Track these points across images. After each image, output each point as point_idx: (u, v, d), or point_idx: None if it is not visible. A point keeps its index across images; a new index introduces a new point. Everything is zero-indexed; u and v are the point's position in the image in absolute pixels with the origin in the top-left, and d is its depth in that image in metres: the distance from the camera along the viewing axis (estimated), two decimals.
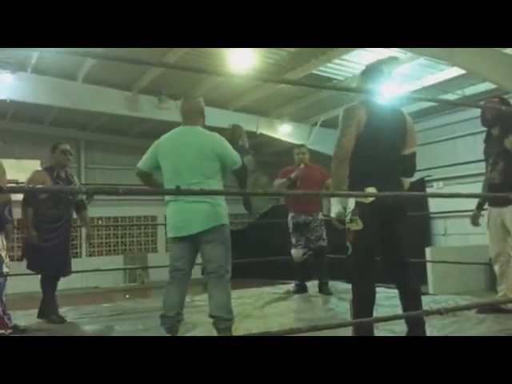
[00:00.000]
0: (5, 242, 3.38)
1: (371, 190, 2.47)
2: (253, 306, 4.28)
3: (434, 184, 10.76)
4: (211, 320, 2.85)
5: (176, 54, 8.26)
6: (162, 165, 2.95)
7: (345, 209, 2.58)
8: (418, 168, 2.85)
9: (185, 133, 2.99)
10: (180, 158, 2.86)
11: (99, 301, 5.29)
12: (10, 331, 3.29)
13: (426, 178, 10.45)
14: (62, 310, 4.02)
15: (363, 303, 2.44)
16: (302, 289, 4.87)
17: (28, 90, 9.35)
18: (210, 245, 2.85)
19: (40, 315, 3.92)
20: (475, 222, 3.68)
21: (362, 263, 2.49)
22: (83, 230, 6.97)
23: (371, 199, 2.46)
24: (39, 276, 3.94)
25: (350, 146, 2.54)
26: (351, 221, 2.51)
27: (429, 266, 8.28)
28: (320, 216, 4.77)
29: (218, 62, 8.20)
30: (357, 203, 2.50)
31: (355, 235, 2.50)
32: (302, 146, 5.27)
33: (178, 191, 2.17)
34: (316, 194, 4.47)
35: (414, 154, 2.75)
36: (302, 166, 4.69)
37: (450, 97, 9.55)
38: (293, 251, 4.80)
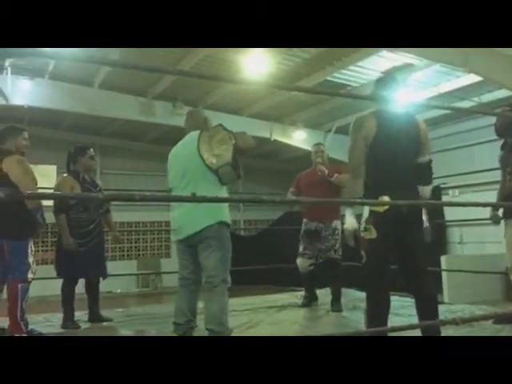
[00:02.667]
0: (33, 248, 3.41)
1: (385, 198, 2.45)
2: (266, 313, 4.26)
3: (450, 192, 10.64)
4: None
5: (191, 61, 8.31)
6: (169, 175, 3.06)
7: (359, 217, 2.56)
8: (435, 176, 2.82)
9: (185, 140, 3.03)
10: (179, 165, 2.93)
11: (113, 306, 5.31)
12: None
13: (442, 186, 10.34)
14: (76, 315, 4.04)
15: (378, 312, 2.41)
16: (310, 301, 4.59)
17: (45, 96, 9.47)
18: (206, 251, 2.79)
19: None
20: (496, 219, 3.57)
21: (376, 272, 2.47)
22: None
23: (385, 208, 2.45)
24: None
25: (358, 159, 2.57)
26: (365, 229, 2.49)
27: (444, 274, 8.17)
28: (334, 224, 4.34)
29: (232, 69, 8.23)
30: (371, 212, 2.48)
31: (369, 244, 2.48)
32: (318, 144, 4.87)
33: (193, 198, 2.17)
34: (328, 201, 3.98)
35: (430, 162, 2.72)
36: (319, 167, 4.35)
37: (467, 104, 9.46)
38: (298, 260, 4.47)
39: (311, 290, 4.67)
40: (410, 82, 8.93)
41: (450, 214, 9.62)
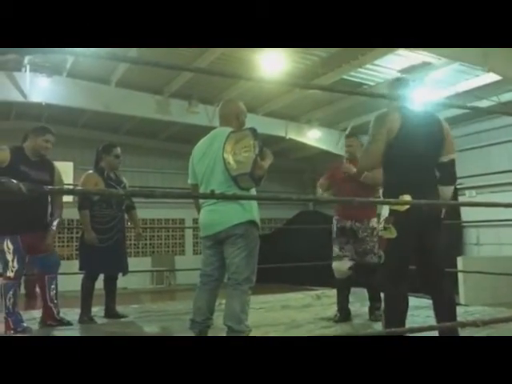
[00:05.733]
0: (10, 246, 3.44)
1: (406, 197, 2.42)
2: (282, 312, 4.25)
3: (467, 192, 10.53)
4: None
5: (207, 59, 8.33)
6: (195, 171, 2.96)
7: (379, 216, 2.53)
8: None
9: (212, 135, 2.98)
10: (205, 162, 2.87)
11: (128, 302, 5.35)
12: (11, 332, 3.38)
13: (458, 187, 10.23)
14: (92, 310, 4.08)
15: (396, 313, 2.39)
16: (345, 316, 3.86)
17: (63, 94, 9.57)
18: (233, 248, 2.78)
19: (107, 314, 4.12)
20: None
21: (395, 272, 2.44)
22: None
23: (406, 207, 2.41)
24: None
25: (378, 154, 2.50)
26: (385, 229, 2.47)
27: (460, 276, 8.09)
28: (372, 223, 3.82)
29: (248, 67, 8.23)
30: (391, 211, 2.45)
31: (388, 243, 2.46)
32: (348, 135, 4.15)
33: (211, 195, 2.17)
34: (348, 199, 3.45)
35: (453, 161, 2.67)
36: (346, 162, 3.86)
37: (485, 103, 9.33)
38: (335, 264, 3.84)
39: (345, 303, 3.89)
40: (427, 81, 8.83)
41: (466, 214, 9.52)
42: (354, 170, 3.68)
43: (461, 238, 10.63)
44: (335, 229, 3.91)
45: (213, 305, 2.94)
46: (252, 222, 2.83)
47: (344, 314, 3.85)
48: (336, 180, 3.92)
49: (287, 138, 12.04)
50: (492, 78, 8.36)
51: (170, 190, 2.42)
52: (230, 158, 2.72)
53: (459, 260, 8.48)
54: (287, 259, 8.54)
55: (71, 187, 3.78)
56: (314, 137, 12.26)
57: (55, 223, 3.69)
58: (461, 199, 10.20)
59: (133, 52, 7.37)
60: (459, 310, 3.92)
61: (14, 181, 1.36)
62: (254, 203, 2.89)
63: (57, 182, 3.72)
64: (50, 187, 2.89)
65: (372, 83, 9.53)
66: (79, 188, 3.84)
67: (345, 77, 9.15)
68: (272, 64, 8.19)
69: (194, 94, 10.36)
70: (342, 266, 3.79)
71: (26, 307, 4.98)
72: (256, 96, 10.45)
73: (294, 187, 14.62)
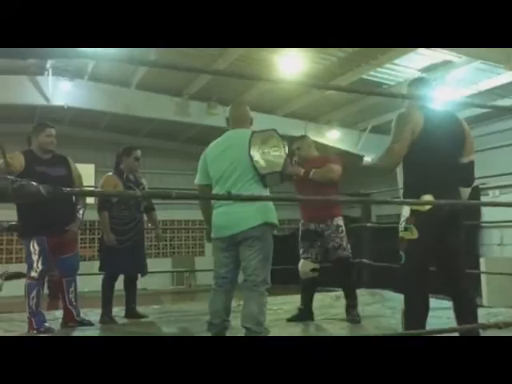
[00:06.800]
0: (36, 247, 3.50)
1: (428, 197, 2.39)
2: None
3: (490, 192, 10.35)
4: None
5: (225, 61, 8.36)
6: (210, 171, 2.96)
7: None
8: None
9: (229, 136, 2.99)
10: (224, 162, 2.87)
11: (148, 302, 5.40)
12: (34, 332, 3.45)
13: (481, 186, 10.06)
14: (113, 310, 4.12)
15: (416, 315, 2.36)
16: (303, 316, 3.91)
17: (84, 97, 9.71)
18: (249, 251, 2.78)
19: (128, 315, 4.17)
20: None
21: (416, 273, 2.41)
22: None
23: (428, 207, 2.38)
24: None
25: (401, 153, 2.47)
26: (405, 229, 2.44)
27: (483, 277, 7.97)
28: (336, 222, 3.82)
29: (267, 68, 8.23)
30: (412, 211, 2.42)
31: (409, 244, 2.43)
32: (297, 138, 4.16)
33: (228, 197, 2.18)
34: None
35: (472, 163, 2.64)
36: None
37: (507, 102, 9.17)
38: (299, 265, 3.95)
39: (308, 303, 3.96)
40: (448, 80, 8.72)
41: (490, 214, 9.36)
42: (302, 171, 3.78)
43: (483, 239, 10.46)
44: (300, 233, 3.98)
45: (229, 306, 2.94)
46: (268, 224, 2.84)
47: (300, 314, 3.92)
48: (295, 183, 3.93)
49: None
50: None
51: (187, 192, 2.43)
52: (258, 157, 2.77)
53: (482, 261, 8.35)
54: None
55: (91, 189, 3.84)
56: (333, 137, 12.20)
57: (81, 212, 3.76)
58: (484, 199, 10.05)
59: (152, 55, 7.44)
60: (482, 311, 3.88)
61: (34, 183, 1.38)
62: (271, 204, 2.89)
63: (74, 173, 3.78)
64: (69, 188, 2.94)
65: (392, 83, 9.44)
66: (98, 190, 3.90)
67: (364, 76, 9.09)
68: (290, 65, 8.18)
69: (212, 96, 10.41)
70: (305, 265, 3.89)
71: (49, 307, 5.05)
72: (275, 97, 10.46)
73: None
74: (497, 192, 10.28)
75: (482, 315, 3.47)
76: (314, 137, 12.14)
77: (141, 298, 4.46)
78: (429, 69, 8.46)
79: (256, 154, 2.78)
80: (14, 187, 1.09)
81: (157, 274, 11.76)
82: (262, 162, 2.78)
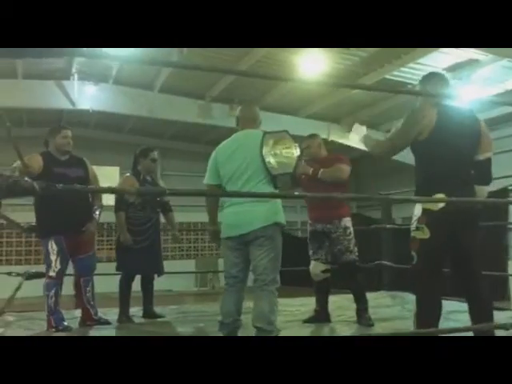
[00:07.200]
0: (55, 247, 3.56)
1: (440, 196, 2.34)
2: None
3: None
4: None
5: (247, 63, 8.37)
6: (220, 171, 2.97)
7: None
8: (502, 176, 2.66)
9: (239, 137, 3.00)
10: (235, 163, 2.88)
11: (169, 303, 5.44)
12: (53, 330, 3.51)
13: (510, 187, 9.79)
14: (132, 310, 4.17)
15: (428, 317, 2.30)
16: (319, 317, 3.89)
17: (109, 100, 9.87)
18: (259, 250, 2.79)
19: (145, 314, 4.22)
20: None
21: (428, 274, 2.36)
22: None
23: (440, 206, 2.33)
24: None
25: (400, 149, 2.49)
26: (417, 228, 2.39)
27: (511, 280, 7.74)
28: (344, 222, 3.78)
29: (289, 69, 8.20)
30: (424, 210, 2.37)
31: (421, 244, 2.38)
32: (307, 137, 4.02)
33: (251, 194, 2.18)
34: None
35: (489, 160, 2.57)
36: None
37: None
38: (310, 267, 3.92)
39: (324, 304, 3.93)
40: (474, 79, 8.53)
41: None
42: (311, 170, 3.74)
43: (508, 241, 10.16)
44: (308, 233, 3.96)
45: (240, 306, 2.95)
46: (279, 224, 2.86)
47: (316, 316, 3.90)
48: (303, 183, 3.86)
49: (330, 140, 11.91)
50: None
51: (181, 189, 2.45)
52: (270, 158, 2.77)
53: (510, 264, 8.11)
54: None
55: (106, 187, 3.92)
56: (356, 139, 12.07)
57: (97, 212, 3.81)
58: None
59: (174, 57, 7.51)
60: (508, 314, 3.77)
61: (59, 185, 1.41)
62: (280, 205, 2.90)
63: (91, 175, 3.84)
64: (83, 186, 3.00)
65: (416, 82, 9.26)
66: (112, 188, 3.92)
67: (387, 76, 8.97)
68: (312, 65, 8.13)
69: (235, 98, 10.43)
70: (316, 267, 3.86)
71: (76, 306, 5.15)
72: (297, 98, 10.42)
73: None
74: None
75: (507, 318, 3.36)
76: (338, 138, 12.10)
77: (164, 299, 4.51)
78: (454, 68, 8.29)
79: (268, 155, 2.79)
80: (8, 183, 1.11)
81: (181, 275, 11.86)
82: (274, 163, 2.79)
